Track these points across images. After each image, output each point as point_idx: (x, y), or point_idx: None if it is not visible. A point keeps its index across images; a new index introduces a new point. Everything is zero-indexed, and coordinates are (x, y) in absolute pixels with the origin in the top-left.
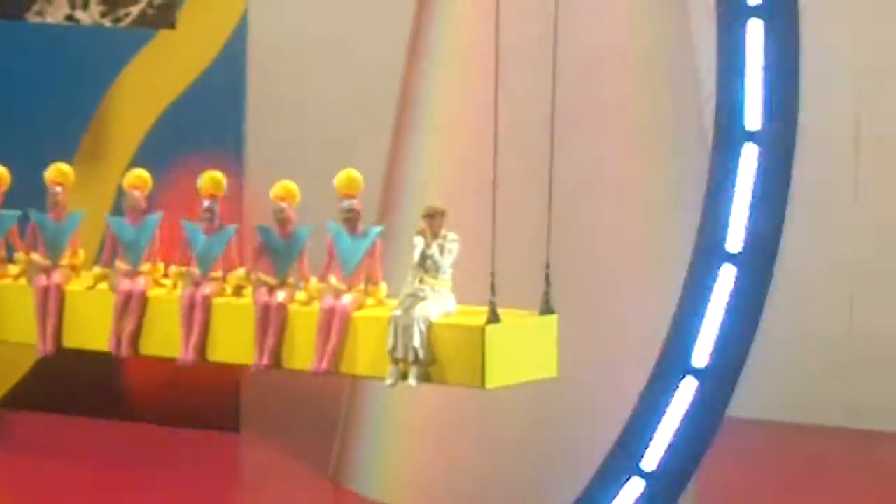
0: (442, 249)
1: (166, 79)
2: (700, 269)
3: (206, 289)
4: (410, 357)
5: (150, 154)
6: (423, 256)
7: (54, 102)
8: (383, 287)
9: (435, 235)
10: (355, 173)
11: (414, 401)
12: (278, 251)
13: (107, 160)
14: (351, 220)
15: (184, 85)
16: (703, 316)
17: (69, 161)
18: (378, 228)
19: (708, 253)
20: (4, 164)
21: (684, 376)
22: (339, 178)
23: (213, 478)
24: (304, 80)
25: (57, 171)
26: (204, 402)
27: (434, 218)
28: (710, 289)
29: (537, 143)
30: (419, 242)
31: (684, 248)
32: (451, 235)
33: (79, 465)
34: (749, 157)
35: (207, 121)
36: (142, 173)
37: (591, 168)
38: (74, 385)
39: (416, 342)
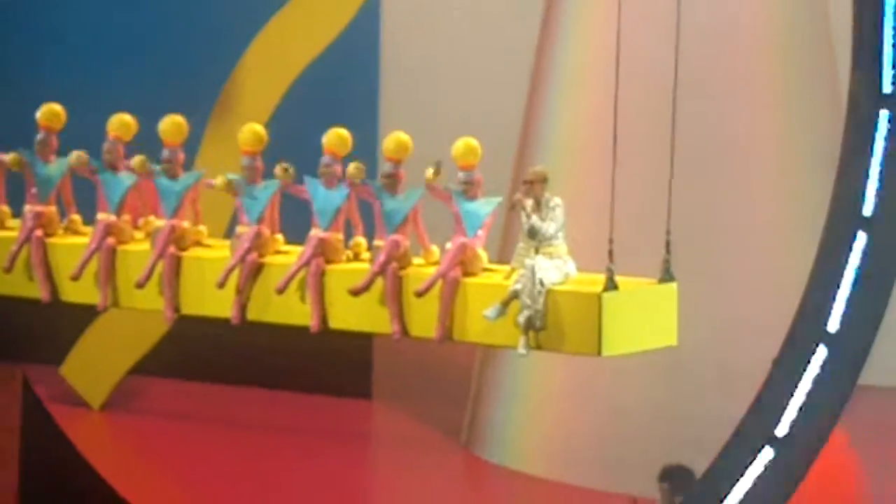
0: (544, 216)
1: (303, 40)
2: (835, 234)
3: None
4: (522, 323)
5: (286, 114)
6: (531, 230)
7: (192, 60)
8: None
9: (537, 202)
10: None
11: (544, 370)
12: (388, 210)
13: (243, 120)
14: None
15: (321, 46)
16: (837, 282)
17: (205, 118)
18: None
19: (842, 219)
20: (142, 120)
21: (818, 343)
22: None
23: (345, 444)
24: (437, 44)
25: (174, 125)
26: (337, 369)
27: (534, 185)
28: (845, 255)
29: (669, 107)
30: (522, 213)
31: (817, 214)
32: (555, 200)
33: (211, 430)
34: (883, 122)
35: (342, 85)
36: (259, 131)
37: (722, 133)
38: (207, 351)
39: (526, 313)
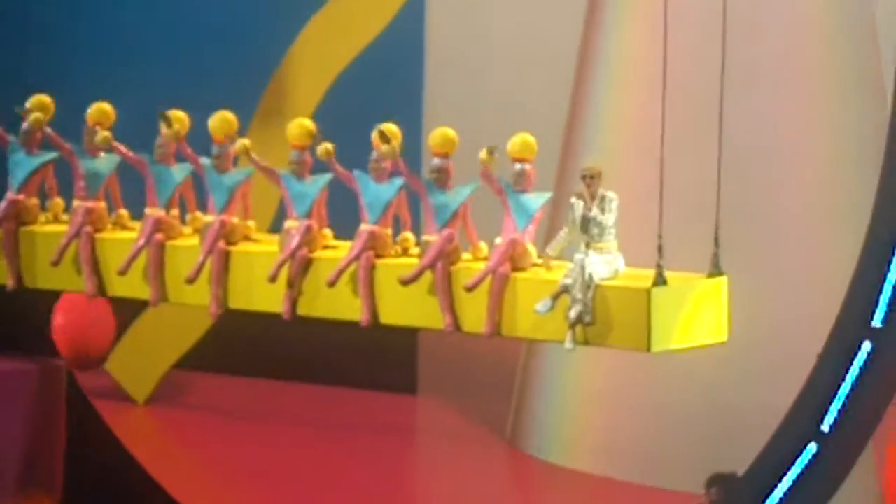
0: (602, 209)
1: (347, 37)
2: (879, 230)
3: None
4: (572, 318)
5: (330, 109)
6: (585, 220)
7: (239, 55)
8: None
9: (593, 197)
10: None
11: (589, 364)
12: (438, 205)
13: (289, 115)
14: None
15: (364, 43)
16: (882, 277)
17: (251, 114)
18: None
19: (887, 214)
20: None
21: (863, 338)
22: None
23: (390, 439)
24: (481, 38)
25: (224, 121)
26: (382, 364)
27: (593, 179)
28: (889, 250)
29: (716, 104)
30: (578, 206)
31: (863, 210)
32: (610, 195)
33: (255, 425)
34: None
35: (386, 80)
36: (308, 126)
37: (768, 129)
38: (252, 346)
39: (577, 308)
